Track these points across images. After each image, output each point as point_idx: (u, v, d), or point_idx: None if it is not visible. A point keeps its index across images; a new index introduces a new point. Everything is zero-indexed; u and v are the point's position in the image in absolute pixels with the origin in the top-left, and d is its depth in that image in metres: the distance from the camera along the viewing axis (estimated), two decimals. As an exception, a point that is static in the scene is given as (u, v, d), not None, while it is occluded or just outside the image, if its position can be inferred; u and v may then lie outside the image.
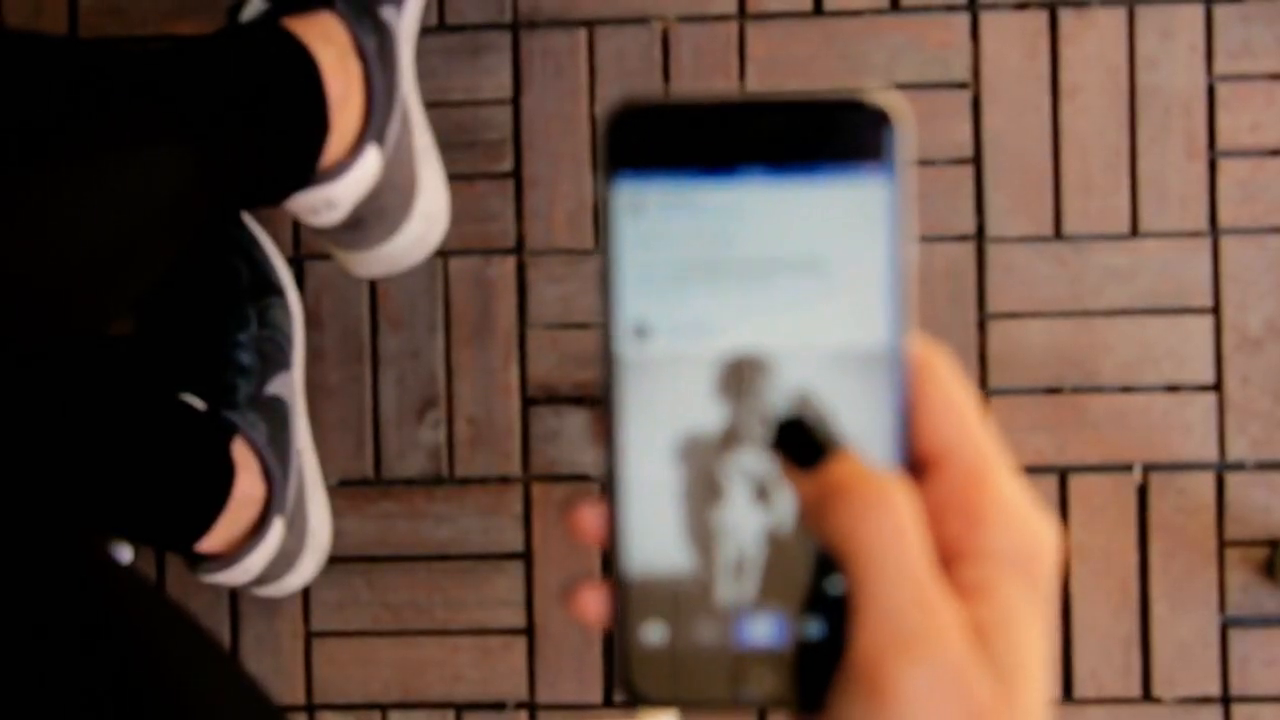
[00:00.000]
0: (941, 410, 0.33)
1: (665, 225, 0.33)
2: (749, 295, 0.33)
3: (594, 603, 0.34)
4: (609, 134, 0.33)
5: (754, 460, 0.33)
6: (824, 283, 0.32)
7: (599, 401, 0.33)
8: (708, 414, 0.33)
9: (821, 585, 0.33)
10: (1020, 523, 0.32)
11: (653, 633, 0.33)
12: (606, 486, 0.33)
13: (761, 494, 0.33)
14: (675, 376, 0.33)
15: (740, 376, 0.33)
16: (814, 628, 0.33)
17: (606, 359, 0.33)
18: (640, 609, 0.33)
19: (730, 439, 0.33)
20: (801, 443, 0.32)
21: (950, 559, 0.32)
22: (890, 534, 0.31)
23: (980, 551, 0.32)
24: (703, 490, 0.33)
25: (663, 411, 0.33)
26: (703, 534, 0.33)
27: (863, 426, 0.33)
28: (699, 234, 0.33)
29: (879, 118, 0.32)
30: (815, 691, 0.32)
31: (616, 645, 0.33)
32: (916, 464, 0.33)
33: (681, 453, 0.33)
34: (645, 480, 0.33)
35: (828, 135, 0.32)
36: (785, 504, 0.33)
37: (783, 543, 0.33)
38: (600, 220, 0.33)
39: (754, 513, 0.33)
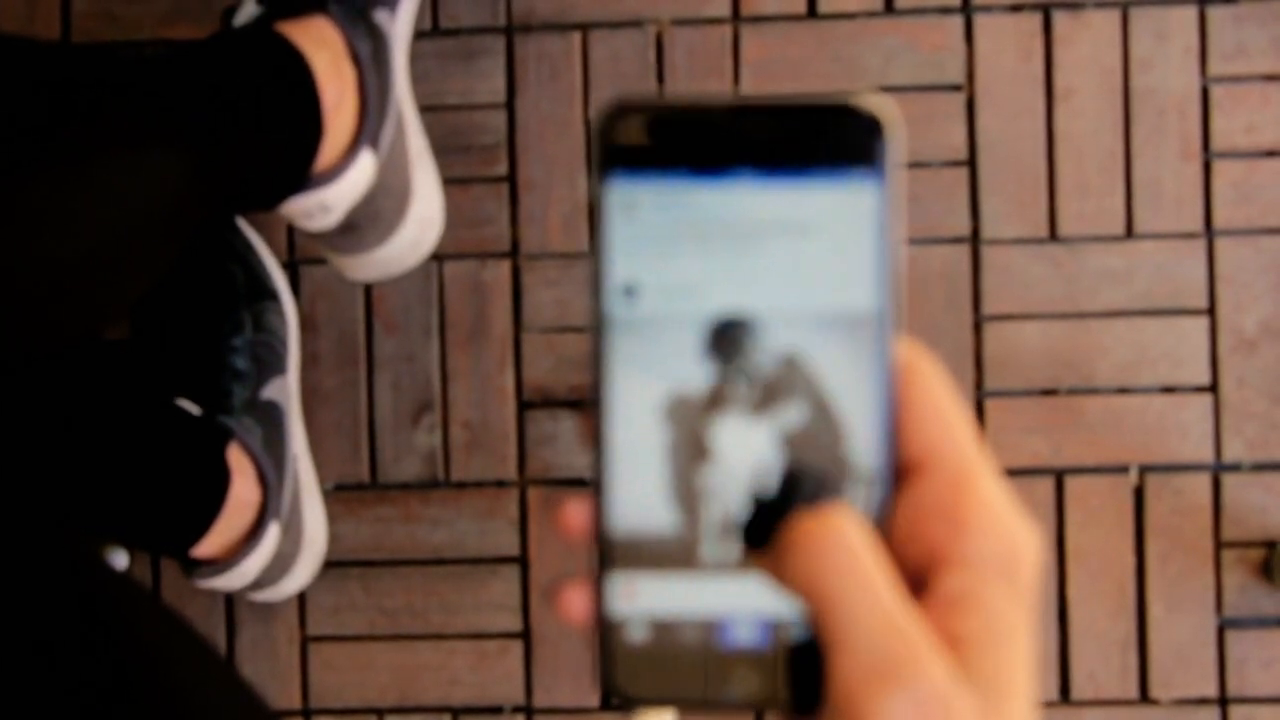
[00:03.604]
0: (927, 414, 0.33)
1: (657, 226, 0.33)
2: (738, 270, 0.33)
3: (579, 601, 0.34)
4: (602, 134, 0.33)
5: (741, 420, 0.33)
6: (813, 287, 0.33)
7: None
8: (695, 373, 0.33)
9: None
10: (1002, 527, 0.32)
11: (636, 616, 0.33)
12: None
13: (747, 453, 0.33)
14: (663, 336, 0.33)
15: (728, 336, 0.33)
16: (796, 629, 0.33)
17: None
18: (624, 574, 0.33)
19: (717, 399, 0.33)
20: (757, 529, 0.33)
21: (933, 564, 0.32)
22: (847, 567, 0.31)
23: (963, 557, 0.32)
24: (689, 450, 0.33)
25: (650, 370, 0.33)
26: (688, 494, 0.33)
27: (849, 397, 0.33)
28: (690, 235, 0.33)
29: (870, 123, 0.32)
30: (798, 692, 0.32)
31: (597, 638, 0.33)
32: (901, 468, 0.33)
33: (668, 412, 0.33)
34: (631, 439, 0.33)
35: (819, 139, 0.32)
36: (770, 465, 0.33)
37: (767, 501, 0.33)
38: (592, 219, 0.33)
39: (739, 473, 0.33)
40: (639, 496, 0.33)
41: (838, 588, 0.31)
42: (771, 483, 0.33)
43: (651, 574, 0.33)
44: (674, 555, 0.33)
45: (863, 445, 0.33)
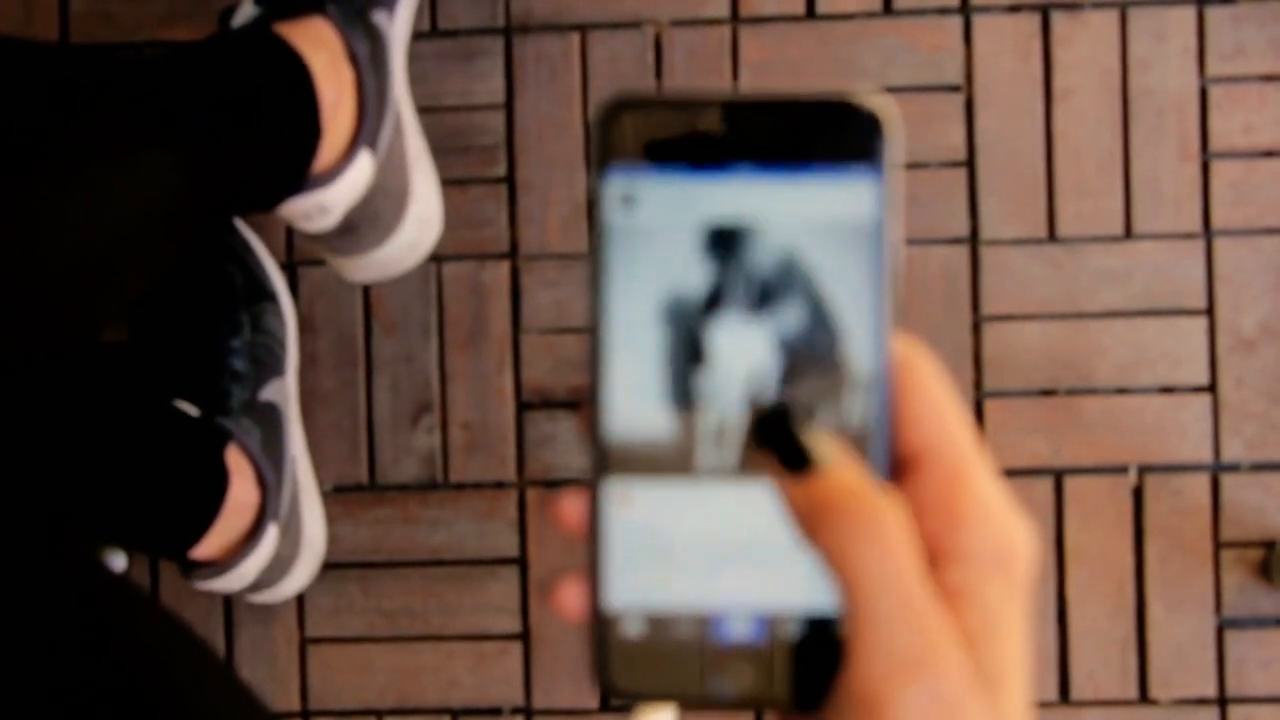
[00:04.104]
0: (923, 410, 0.33)
1: (656, 220, 0.33)
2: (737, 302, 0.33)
3: (574, 595, 0.33)
4: (601, 128, 0.33)
5: (738, 322, 0.33)
6: (811, 287, 0.33)
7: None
8: (692, 276, 0.33)
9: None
10: (998, 523, 0.32)
11: (631, 576, 0.33)
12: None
13: (744, 358, 0.33)
14: (662, 239, 0.33)
15: (726, 237, 0.33)
16: (794, 625, 0.33)
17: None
18: (620, 480, 0.33)
19: (715, 302, 0.33)
20: (789, 444, 0.32)
21: (931, 559, 0.32)
22: (883, 557, 0.31)
23: (960, 552, 0.32)
24: (685, 354, 0.33)
25: (648, 273, 0.33)
26: (685, 398, 0.33)
27: (847, 301, 0.32)
28: (689, 230, 0.33)
29: (869, 120, 0.32)
30: (800, 689, 0.32)
31: (593, 630, 0.33)
32: (898, 463, 0.33)
33: (665, 315, 0.33)
34: (628, 341, 0.33)
35: (818, 135, 0.32)
36: (768, 369, 0.33)
37: (764, 410, 0.33)
38: (591, 213, 0.33)
39: (736, 377, 0.33)
40: (635, 400, 0.33)
41: (871, 578, 0.31)
42: (777, 389, 0.33)
43: (647, 479, 0.33)
44: (670, 460, 0.33)
45: (860, 348, 0.33)
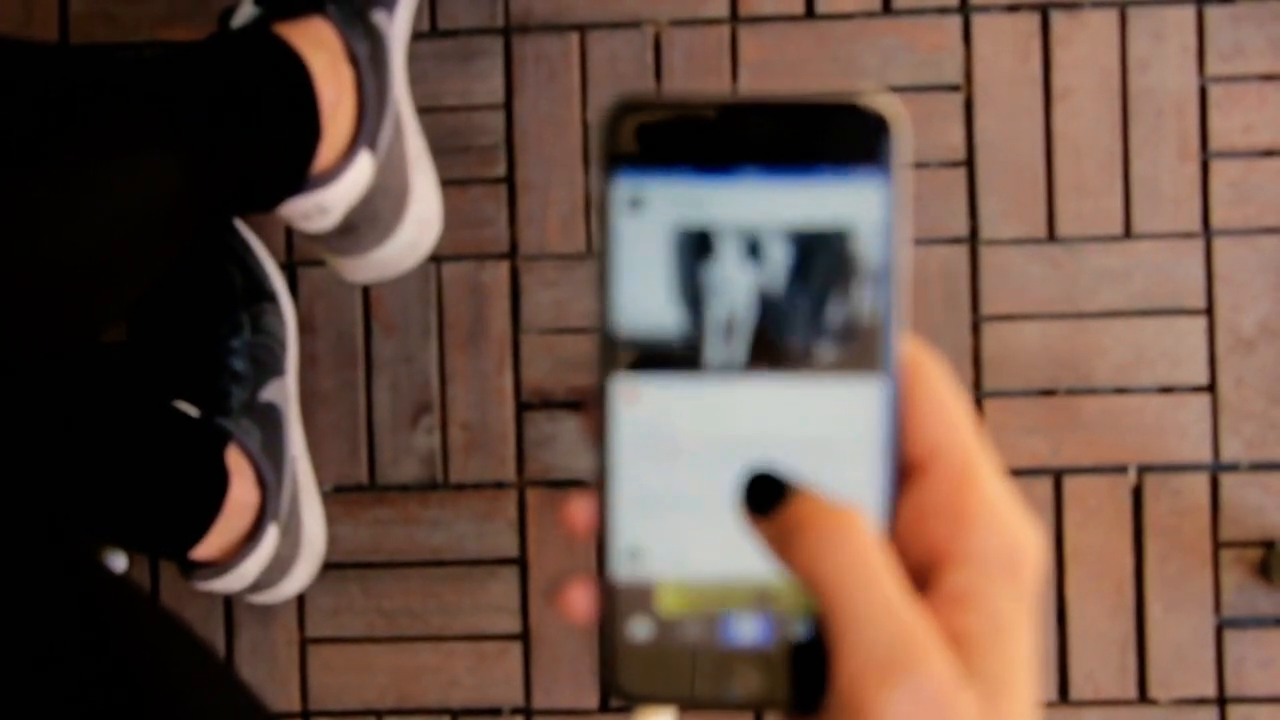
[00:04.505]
0: (930, 412, 0.33)
1: (663, 223, 0.33)
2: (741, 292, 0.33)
3: (582, 599, 0.34)
4: (606, 131, 0.33)
5: (746, 215, 0.33)
6: (816, 282, 0.33)
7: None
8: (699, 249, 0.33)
9: (809, 351, 0.32)
10: (1005, 525, 0.32)
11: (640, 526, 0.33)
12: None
13: (752, 251, 0.33)
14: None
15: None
16: (800, 627, 0.33)
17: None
18: (628, 376, 0.33)
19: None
20: (761, 492, 0.33)
21: (937, 562, 0.32)
22: (854, 561, 0.31)
23: (967, 554, 0.32)
24: (693, 246, 0.33)
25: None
26: (693, 292, 0.33)
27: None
28: (695, 232, 0.33)
29: (877, 121, 0.32)
30: (799, 691, 0.32)
31: (600, 634, 0.33)
32: (905, 466, 0.33)
33: (674, 208, 0.33)
34: (636, 236, 0.33)
35: (825, 137, 0.32)
36: (776, 262, 0.33)
37: (773, 303, 0.33)
38: (597, 216, 0.33)
39: (745, 270, 0.33)
40: (643, 295, 0.33)
41: (844, 581, 0.31)
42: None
43: (656, 375, 0.33)
44: (678, 355, 0.33)
45: (870, 244, 0.32)
